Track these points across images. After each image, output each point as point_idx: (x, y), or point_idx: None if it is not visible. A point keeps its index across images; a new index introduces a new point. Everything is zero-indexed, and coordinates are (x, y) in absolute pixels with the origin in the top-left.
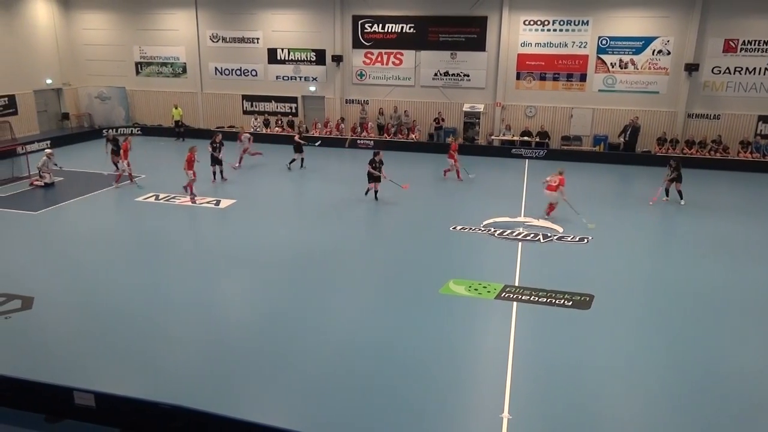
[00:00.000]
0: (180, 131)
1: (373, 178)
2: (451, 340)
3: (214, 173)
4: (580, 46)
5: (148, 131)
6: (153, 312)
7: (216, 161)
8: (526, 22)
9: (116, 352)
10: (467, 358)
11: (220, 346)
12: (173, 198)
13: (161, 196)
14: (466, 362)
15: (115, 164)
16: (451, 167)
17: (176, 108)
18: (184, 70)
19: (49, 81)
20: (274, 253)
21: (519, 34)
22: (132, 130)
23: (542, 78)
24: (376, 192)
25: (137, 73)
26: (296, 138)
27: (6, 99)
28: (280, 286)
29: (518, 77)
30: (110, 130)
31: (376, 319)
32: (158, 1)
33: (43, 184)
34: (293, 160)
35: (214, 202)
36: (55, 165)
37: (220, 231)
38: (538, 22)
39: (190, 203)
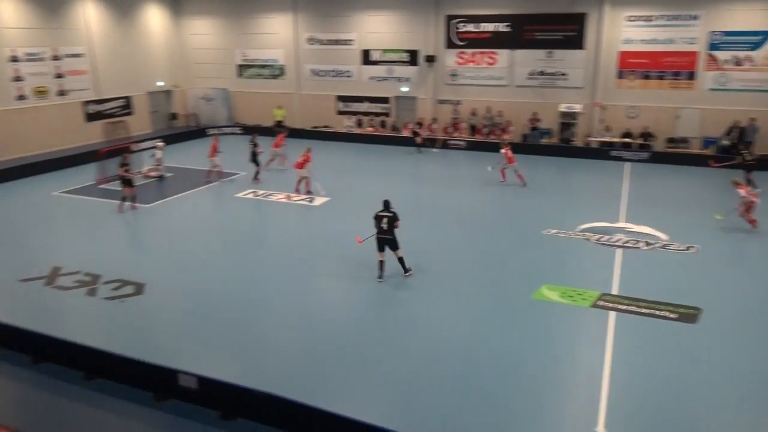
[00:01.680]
0: (280, 132)
1: (388, 243)
2: (544, 347)
3: (257, 174)
4: (688, 43)
5: (249, 131)
6: (252, 302)
7: (256, 160)
8: (629, 18)
9: (218, 338)
10: (561, 367)
11: (313, 340)
12: (270, 195)
13: (259, 192)
14: (560, 370)
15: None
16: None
17: (279, 108)
18: (282, 72)
19: (160, 83)
20: (365, 251)
21: (621, 31)
22: (234, 130)
23: (646, 77)
24: (381, 264)
25: (239, 75)
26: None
27: (124, 100)
28: (371, 284)
29: (619, 76)
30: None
31: (467, 321)
32: (259, 6)
33: (157, 176)
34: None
35: (308, 199)
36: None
37: (313, 228)
38: (643, 18)
39: (285, 200)
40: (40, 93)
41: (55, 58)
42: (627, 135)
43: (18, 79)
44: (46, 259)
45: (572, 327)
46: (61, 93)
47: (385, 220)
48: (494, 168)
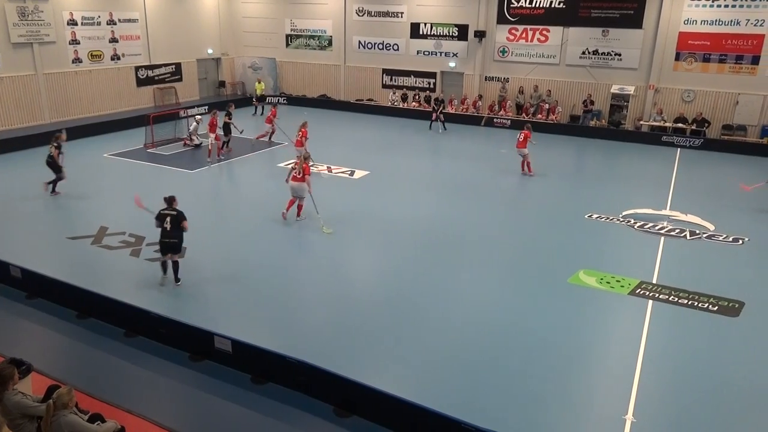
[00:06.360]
0: (260, 107)
1: (171, 247)
2: (577, 332)
3: (226, 143)
4: (755, 25)
5: (293, 101)
6: (290, 270)
7: (228, 131)
8: None
9: (253, 305)
10: (593, 352)
11: (347, 311)
12: (312, 166)
13: None
14: (592, 356)
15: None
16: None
17: (259, 83)
18: (330, 43)
19: (210, 51)
20: (403, 227)
21: (683, 11)
22: (278, 99)
23: (706, 59)
24: (164, 265)
25: (287, 45)
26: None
27: (173, 66)
28: (408, 260)
29: (677, 58)
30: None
31: (500, 301)
32: None
33: (193, 145)
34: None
35: (349, 172)
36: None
37: (353, 201)
38: None
39: (326, 172)
40: (95, 57)
41: (111, 22)
42: (680, 120)
43: (75, 42)
44: (94, 218)
45: (608, 314)
46: (115, 57)
47: (168, 219)
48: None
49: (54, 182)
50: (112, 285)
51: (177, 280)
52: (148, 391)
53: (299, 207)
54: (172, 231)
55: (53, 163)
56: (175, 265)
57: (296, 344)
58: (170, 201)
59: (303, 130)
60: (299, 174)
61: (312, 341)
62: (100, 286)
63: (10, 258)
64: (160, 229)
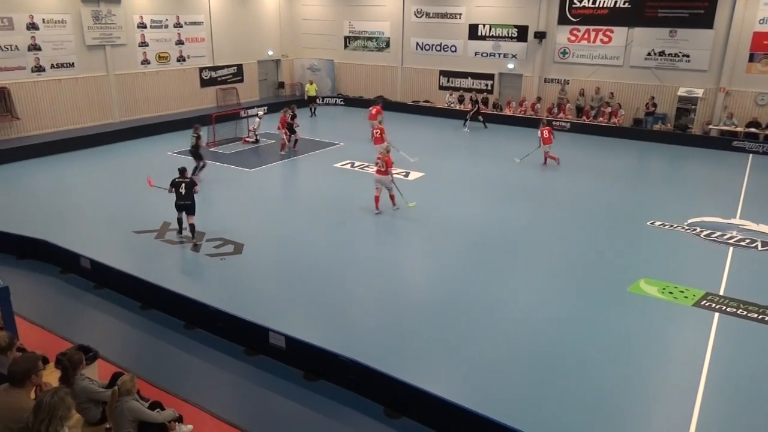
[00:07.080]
0: (312, 108)
1: (186, 207)
2: (637, 343)
3: (295, 141)
4: None
5: (350, 102)
6: (343, 269)
7: (293, 130)
8: None
9: (308, 304)
10: (654, 365)
11: (399, 311)
12: (367, 166)
13: (356, 163)
14: (653, 369)
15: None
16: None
17: (311, 84)
18: (388, 45)
19: (270, 53)
20: (457, 229)
21: (758, 9)
22: (336, 101)
23: None
24: (180, 221)
25: (345, 46)
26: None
27: (235, 68)
28: (461, 262)
29: (751, 59)
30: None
31: (556, 307)
32: None
33: (255, 138)
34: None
35: (404, 173)
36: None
37: (405, 202)
38: None
39: None
40: (162, 58)
41: (177, 25)
42: (753, 124)
43: (144, 44)
44: (157, 214)
45: (670, 325)
46: (181, 59)
47: (183, 185)
48: (523, 159)
49: (199, 169)
50: (173, 278)
51: (193, 237)
52: (204, 381)
53: (391, 197)
54: (186, 194)
55: (196, 151)
56: (192, 227)
57: (348, 343)
58: (182, 171)
59: (381, 128)
60: (383, 167)
61: (363, 340)
62: (163, 279)
63: (80, 249)
64: (174, 194)
